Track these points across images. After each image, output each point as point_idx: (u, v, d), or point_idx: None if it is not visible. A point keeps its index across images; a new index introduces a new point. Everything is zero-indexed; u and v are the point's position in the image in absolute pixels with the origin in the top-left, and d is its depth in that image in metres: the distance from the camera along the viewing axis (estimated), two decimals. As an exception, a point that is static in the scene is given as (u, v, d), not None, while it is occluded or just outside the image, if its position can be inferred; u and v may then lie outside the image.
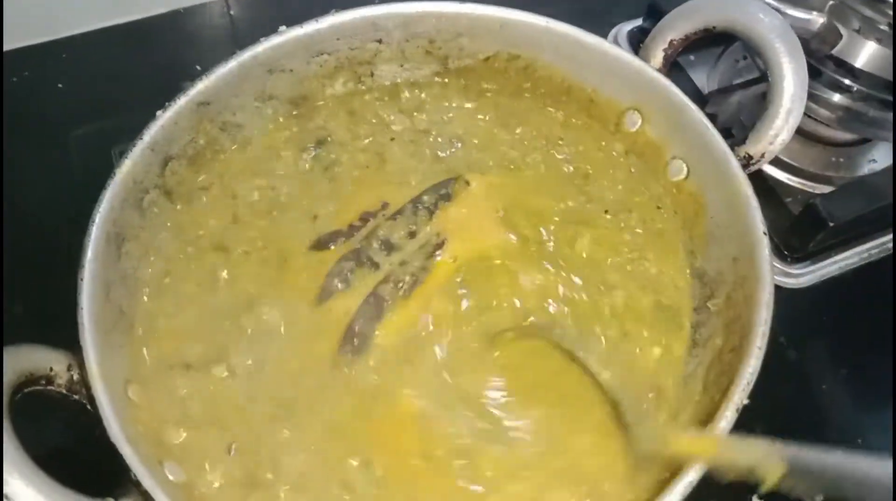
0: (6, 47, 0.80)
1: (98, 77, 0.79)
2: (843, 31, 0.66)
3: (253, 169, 0.60)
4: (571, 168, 0.62)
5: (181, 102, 0.55)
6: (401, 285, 0.55)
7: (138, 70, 0.80)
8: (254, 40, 0.58)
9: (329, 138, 0.62)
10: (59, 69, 0.80)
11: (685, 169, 0.58)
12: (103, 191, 0.52)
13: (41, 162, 0.74)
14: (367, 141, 0.62)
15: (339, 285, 0.55)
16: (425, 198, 0.59)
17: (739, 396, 0.45)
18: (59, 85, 0.79)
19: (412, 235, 0.57)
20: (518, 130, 0.64)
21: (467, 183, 0.60)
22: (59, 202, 0.68)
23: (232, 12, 0.87)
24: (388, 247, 0.57)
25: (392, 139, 0.63)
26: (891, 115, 0.68)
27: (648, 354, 0.54)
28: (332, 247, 0.57)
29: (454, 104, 0.64)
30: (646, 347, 0.54)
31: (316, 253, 0.57)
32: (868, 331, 0.67)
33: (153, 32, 0.84)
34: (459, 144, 0.63)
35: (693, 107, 0.56)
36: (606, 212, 0.59)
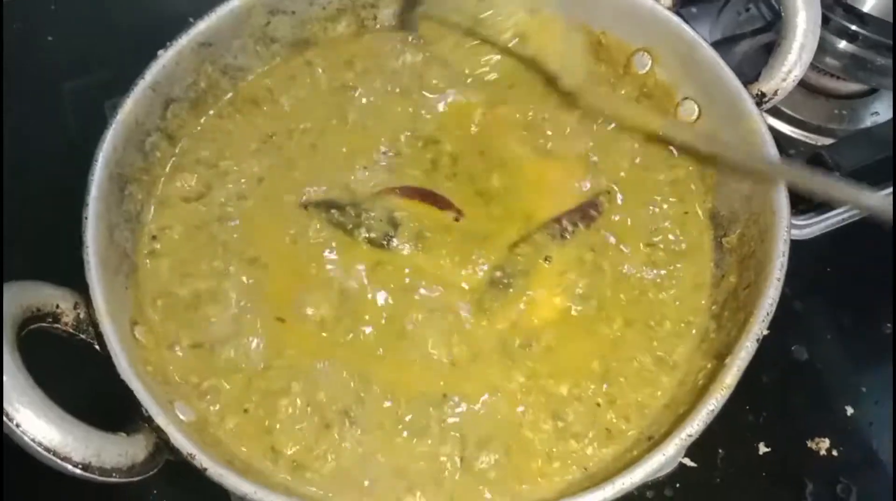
0: (-7, 0, 0.78)
1: (88, 30, 0.78)
2: (852, -27, 0.65)
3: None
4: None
5: (182, 41, 0.54)
6: None
7: (129, 23, 0.78)
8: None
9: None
10: (49, 21, 0.78)
11: (696, 109, 0.57)
12: (105, 131, 0.51)
13: (34, 116, 0.72)
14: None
15: None
16: None
17: (759, 326, 0.45)
18: (49, 38, 0.77)
19: None
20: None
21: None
22: (55, 156, 0.67)
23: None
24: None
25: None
26: (898, 62, 0.68)
27: None
28: None
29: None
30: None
31: None
32: (872, 283, 0.67)
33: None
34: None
35: (705, 44, 0.55)
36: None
